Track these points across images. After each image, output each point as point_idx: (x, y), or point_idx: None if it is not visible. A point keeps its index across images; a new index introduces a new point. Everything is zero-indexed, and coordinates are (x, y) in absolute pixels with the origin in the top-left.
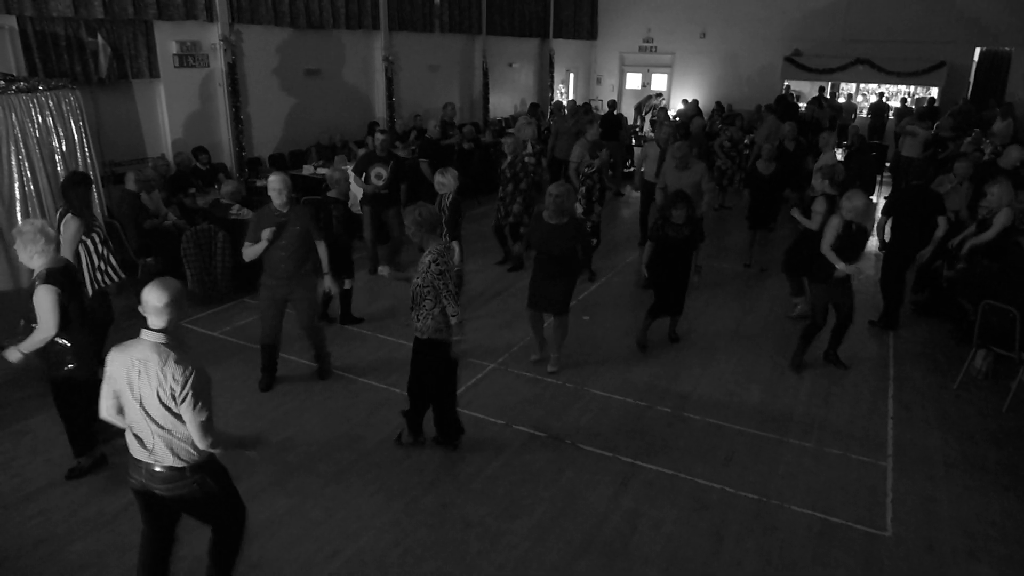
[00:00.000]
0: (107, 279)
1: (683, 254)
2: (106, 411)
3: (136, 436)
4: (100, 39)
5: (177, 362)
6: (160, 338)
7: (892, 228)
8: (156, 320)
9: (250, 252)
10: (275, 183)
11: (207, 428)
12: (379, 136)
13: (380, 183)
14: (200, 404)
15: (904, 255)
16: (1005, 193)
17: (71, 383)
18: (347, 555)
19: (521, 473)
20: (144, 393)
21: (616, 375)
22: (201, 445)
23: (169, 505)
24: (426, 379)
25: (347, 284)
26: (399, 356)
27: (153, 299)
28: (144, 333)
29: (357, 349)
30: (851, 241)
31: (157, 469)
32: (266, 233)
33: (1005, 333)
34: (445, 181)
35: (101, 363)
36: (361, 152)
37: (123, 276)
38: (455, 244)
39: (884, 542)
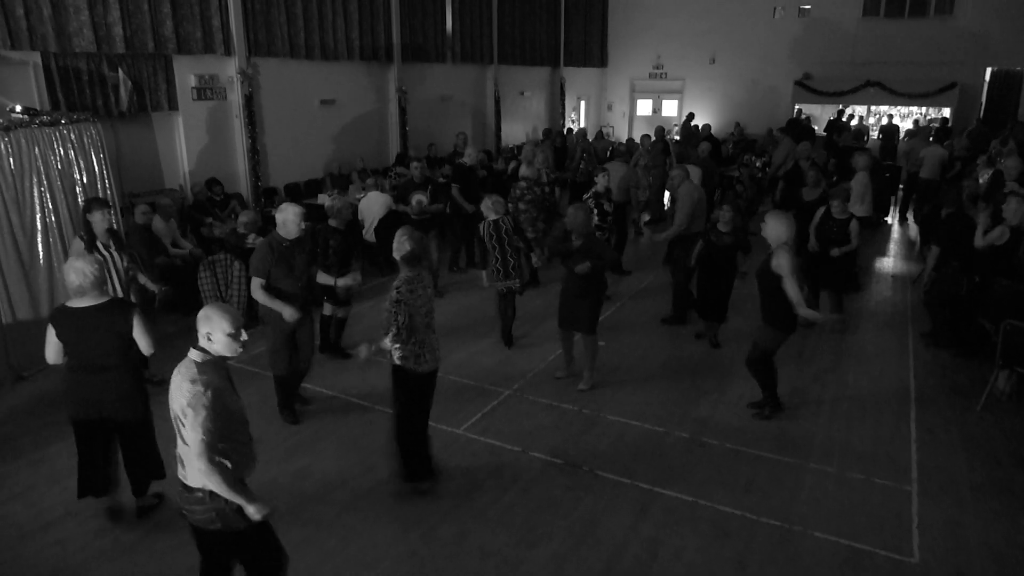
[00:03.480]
0: None
1: (727, 260)
2: None
3: (178, 455)
4: (121, 73)
5: (192, 380)
6: (194, 355)
7: (938, 257)
8: (198, 337)
9: (323, 278)
10: (295, 213)
11: (201, 449)
12: (415, 165)
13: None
14: (198, 421)
15: (951, 281)
16: (1019, 209)
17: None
18: None
19: (538, 501)
20: (173, 406)
21: (633, 401)
22: (195, 464)
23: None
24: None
25: (340, 312)
26: None
27: (198, 315)
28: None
29: (371, 377)
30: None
31: (183, 489)
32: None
33: None
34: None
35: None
36: (394, 179)
37: None
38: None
39: (911, 569)
